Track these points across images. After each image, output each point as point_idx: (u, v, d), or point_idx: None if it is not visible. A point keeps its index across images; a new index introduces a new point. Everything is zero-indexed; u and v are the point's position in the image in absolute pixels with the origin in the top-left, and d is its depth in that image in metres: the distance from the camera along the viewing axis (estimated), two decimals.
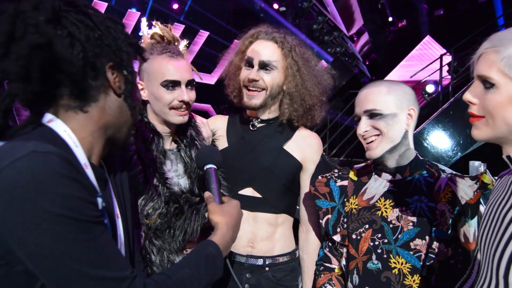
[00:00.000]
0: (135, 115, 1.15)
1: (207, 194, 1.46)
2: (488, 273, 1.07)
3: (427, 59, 11.95)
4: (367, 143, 1.65)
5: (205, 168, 1.53)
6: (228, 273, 1.36)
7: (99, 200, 1.01)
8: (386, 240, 1.61)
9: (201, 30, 14.29)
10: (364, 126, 1.63)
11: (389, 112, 1.60)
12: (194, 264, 1.13)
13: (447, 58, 9.49)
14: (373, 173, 1.74)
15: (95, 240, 0.92)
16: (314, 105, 2.02)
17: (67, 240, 0.88)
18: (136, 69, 1.23)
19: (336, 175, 1.85)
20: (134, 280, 0.96)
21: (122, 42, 1.08)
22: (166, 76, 1.68)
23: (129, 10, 13.41)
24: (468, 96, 1.09)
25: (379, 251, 1.61)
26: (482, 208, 1.50)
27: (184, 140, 1.82)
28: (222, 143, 2.05)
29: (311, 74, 2.00)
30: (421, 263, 1.54)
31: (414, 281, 1.55)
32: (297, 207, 2.12)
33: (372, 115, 1.61)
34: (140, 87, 1.74)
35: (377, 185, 1.70)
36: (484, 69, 1.04)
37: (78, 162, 0.98)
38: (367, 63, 16.27)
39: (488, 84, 1.03)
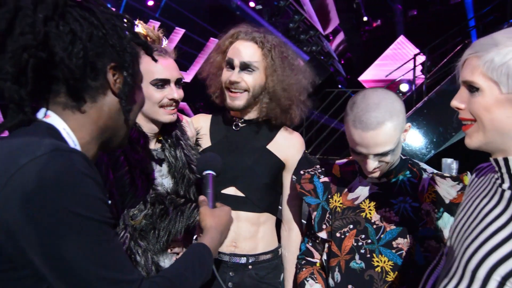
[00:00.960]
0: (129, 119, 1.11)
1: (201, 197, 1.48)
2: (456, 263, 1.10)
3: (401, 58, 12.19)
4: (373, 174, 1.59)
5: (204, 173, 1.54)
6: (213, 276, 1.37)
7: (107, 196, 1.00)
8: (369, 241, 1.64)
9: (176, 28, 14.14)
10: (373, 165, 1.54)
11: (397, 143, 1.51)
12: (191, 267, 1.14)
13: (421, 58, 9.69)
14: (358, 174, 1.76)
15: (111, 242, 0.92)
16: (292, 104, 2.01)
17: (88, 242, 0.87)
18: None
19: (319, 171, 1.86)
20: (142, 282, 0.96)
21: (128, 42, 1.05)
22: (156, 75, 1.67)
23: None
24: (455, 102, 1.12)
25: (362, 251, 1.64)
26: None
27: (169, 140, 1.81)
28: (205, 142, 2.05)
29: (291, 73, 1.99)
30: (402, 260, 1.58)
31: (396, 277, 1.59)
32: (280, 207, 2.12)
33: (383, 155, 1.51)
34: None
35: (362, 187, 1.72)
36: (468, 75, 1.06)
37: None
38: (342, 62, 16.48)
39: (473, 88, 1.06)
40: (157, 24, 11.99)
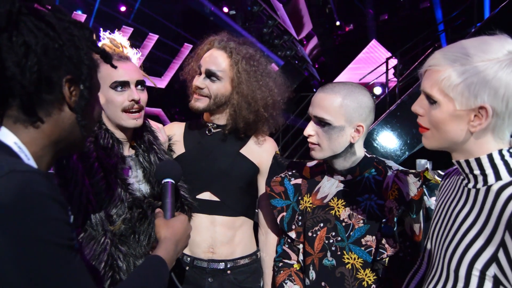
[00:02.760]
0: (84, 134, 1.04)
1: (157, 210, 1.47)
2: (440, 266, 1.17)
3: (374, 62, 12.38)
4: (310, 144, 1.68)
5: (162, 182, 1.51)
6: (175, 285, 1.39)
7: (69, 213, 0.95)
8: (339, 238, 1.67)
9: (150, 33, 14.03)
10: (310, 130, 1.66)
11: (338, 124, 1.61)
12: (145, 281, 1.12)
13: (393, 61, 9.87)
14: (326, 173, 1.79)
15: (71, 265, 0.88)
16: (261, 118, 2.01)
17: (49, 267, 0.83)
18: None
19: (290, 173, 1.90)
20: None
21: (85, 53, 0.99)
22: (114, 78, 1.68)
23: (74, 12, 12.95)
24: (415, 107, 1.19)
25: (333, 248, 1.67)
26: (426, 201, 1.61)
27: (142, 145, 1.82)
28: (179, 149, 2.06)
29: (257, 88, 1.98)
30: (372, 257, 1.62)
31: (366, 274, 1.63)
32: (256, 210, 2.13)
33: (321, 122, 1.63)
34: None
35: (330, 185, 1.76)
36: (427, 87, 1.13)
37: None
38: (316, 66, 16.63)
39: (431, 100, 1.13)
40: (129, 30, 11.89)
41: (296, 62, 12.44)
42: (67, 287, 0.87)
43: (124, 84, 1.69)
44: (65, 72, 0.95)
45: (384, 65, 9.67)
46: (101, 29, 1.86)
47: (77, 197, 1.55)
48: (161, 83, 14.34)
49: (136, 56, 1.87)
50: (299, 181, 1.85)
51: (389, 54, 10.88)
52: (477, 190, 1.11)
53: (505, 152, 1.08)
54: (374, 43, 13.56)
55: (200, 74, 1.99)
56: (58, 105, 0.97)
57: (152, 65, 13.90)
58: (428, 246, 1.32)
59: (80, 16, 12.60)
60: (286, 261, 1.86)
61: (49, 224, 0.83)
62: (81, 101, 1.00)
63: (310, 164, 1.90)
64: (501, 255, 1.00)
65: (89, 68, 1.00)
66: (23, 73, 0.88)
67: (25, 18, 0.89)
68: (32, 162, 0.94)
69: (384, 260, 1.60)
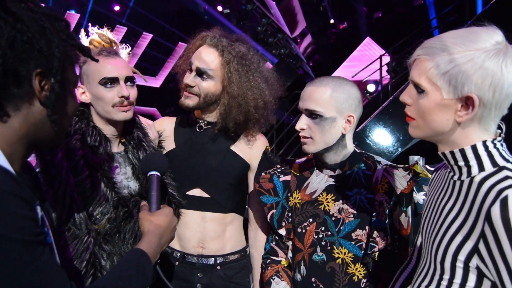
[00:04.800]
0: (55, 129, 1.00)
1: (142, 203, 1.45)
2: (428, 259, 1.18)
3: (367, 59, 12.39)
4: (302, 138, 1.69)
5: (148, 175, 1.51)
6: (162, 281, 1.38)
7: (38, 208, 0.94)
8: (329, 233, 1.67)
9: (144, 33, 13.98)
10: (302, 124, 1.67)
11: (329, 116, 1.62)
12: (126, 275, 1.10)
13: (386, 59, 9.90)
14: (315, 168, 1.80)
15: (37, 261, 0.86)
16: (251, 118, 2.00)
17: (9, 264, 0.82)
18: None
19: (279, 170, 1.90)
20: None
21: (57, 46, 0.95)
22: (103, 74, 1.67)
23: (68, 12, 12.88)
24: (404, 97, 1.18)
25: (323, 243, 1.68)
26: (415, 196, 1.61)
27: (132, 142, 1.81)
28: (170, 144, 2.05)
29: (248, 89, 1.96)
30: (362, 251, 1.62)
31: (356, 269, 1.64)
32: (246, 206, 2.14)
33: (312, 115, 1.64)
34: (81, 90, 1.72)
35: (319, 180, 1.76)
36: (415, 76, 1.13)
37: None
38: (310, 64, 16.63)
39: (419, 89, 1.12)
40: (123, 29, 11.86)
41: (291, 60, 12.45)
42: (32, 283, 0.86)
43: (113, 81, 1.68)
44: (35, 66, 0.92)
45: (378, 62, 9.69)
46: (90, 24, 1.86)
47: (61, 195, 1.54)
48: (156, 82, 14.31)
49: (125, 51, 1.87)
50: (288, 177, 1.86)
51: (383, 52, 10.91)
52: (462, 182, 1.11)
53: (489, 143, 1.08)
54: (368, 40, 13.58)
55: (191, 71, 1.97)
56: (27, 99, 0.94)
57: (147, 64, 13.87)
58: (419, 240, 1.33)
59: (73, 15, 12.54)
60: (273, 258, 1.87)
61: (8, 220, 0.81)
62: (51, 95, 0.96)
63: (299, 160, 1.91)
64: (481, 247, 1.01)
65: (60, 61, 0.97)
66: None
67: None
68: (2, 158, 0.91)
69: (374, 254, 1.61)
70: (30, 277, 0.85)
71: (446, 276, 1.10)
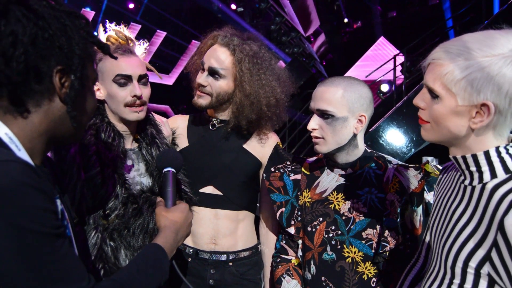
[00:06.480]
0: (74, 125, 1.02)
1: (158, 199, 1.47)
2: (438, 262, 1.17)
3: (381, 59, 12.30)
4: (314, 139, 1.69)
5: (163, 171, 1.52)
6: (178, 276, 1.38)
7: (58, 202, 0.95)
8: (339, 232, 1.68)
9: (158, 30, 14.06)
10: (313, 124, 1.67)
11: (341, 115, 1.62)
12: (143, 269, 1.11)
13: (400, 58, 9.82)
14: (326, 168, 1.80)
15: (57, 253, 0.88)
16: (263, 117, 2.01)
17: (30, 256, 0.83)
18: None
19: (289, 169, 1.90)
20: None
21: (77, 43, 0.97)
22: (117, 71, 1.68)
23: (83, 9, 13.03)
24: (417, 101, 1.17)
25: (333, 242, 1.68)
26: (426, 196, 1.61)
27: (145, 139, 1.83)
28: (183, 142, 2.07)
29: (260, 88, 1.96)
30: (373, 251, 1.62)
31: (366, 268, 1.64)
32: (258, 204, 2.15)
33: (324, 115, 1.64)
34: (96, 87, 1.73)
35: (330, 179, 1.76)
36: (430, 81, 1.10)
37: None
38: (324, 63, 16.56)
39: (433, 94, 1.11)
40: (138, 27, 11.92)
41: (304, 59, 12.40)
42: (52, 275, 0.87)
43: (127, 78, 1.70)
44: (56, 63, 0.94)
45: (392, 62, 9.62)
46: (107, 20, 1.87)
47: (71, 190, 1.55)
48: (169, 80, 14.38)
49: (142, 47, 1.87)
50: (298, 176, 1.86)
51: (397, 51, 10.83)
52: (473, 188, 1.10)
53: (502, 149, 1.06)
54: (382, 40, 13.48)
55: (203, 70, 1.99)
56: (48, 95, 0.96)
57: (160, 62, 13.93)
58: (427, 240, 1.32)
59: (88, 13, 12.66)
60: (283, 256, 1.88)
61: (29, 213, 0.82)
62: (71, 91, 0.98)
63: (310, 159, 1.91)
64: (494, 255, 0.99)
65: (81, 58, 0.98)
66: (8, 63, 0.87)
67: (14, 7, 0.89)
68: (23, 153, 0.93)
69: (385, 253, 1.61)
70: (50, 269, 0.86)
71: (457, 281, 1.09)
